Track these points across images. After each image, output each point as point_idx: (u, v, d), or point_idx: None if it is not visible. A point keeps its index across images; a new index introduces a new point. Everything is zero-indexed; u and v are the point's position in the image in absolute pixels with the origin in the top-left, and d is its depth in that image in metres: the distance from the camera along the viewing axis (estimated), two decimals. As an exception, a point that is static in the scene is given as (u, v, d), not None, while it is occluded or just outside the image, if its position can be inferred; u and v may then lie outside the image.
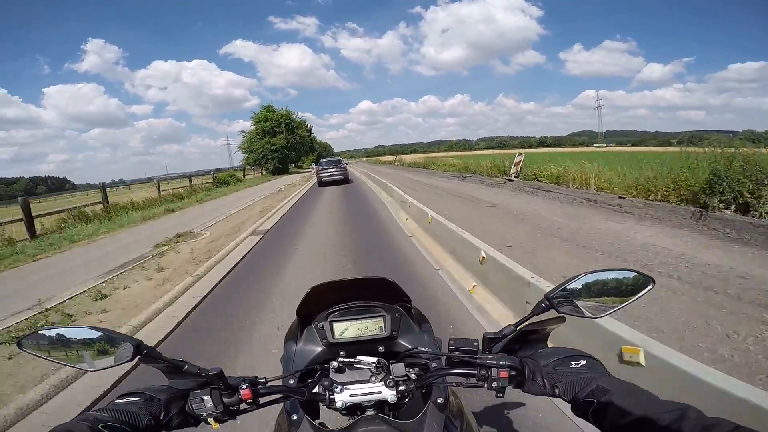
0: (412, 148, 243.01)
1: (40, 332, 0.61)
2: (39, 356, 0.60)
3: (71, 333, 0.62)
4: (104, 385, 2.63)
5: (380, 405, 0.76)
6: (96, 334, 0.62)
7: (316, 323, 0.88)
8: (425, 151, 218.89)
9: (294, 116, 48.76)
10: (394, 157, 53.37)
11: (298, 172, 44.27)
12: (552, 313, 0.71)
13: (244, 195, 18.01)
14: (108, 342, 0.61)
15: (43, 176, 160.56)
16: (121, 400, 0.59)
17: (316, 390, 0.75)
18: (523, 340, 0.73)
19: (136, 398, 0.60)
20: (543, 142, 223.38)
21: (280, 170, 44.28)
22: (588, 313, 0.70)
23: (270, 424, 0.90)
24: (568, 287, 0.71)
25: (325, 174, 18.97)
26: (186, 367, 0.63)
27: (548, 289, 0.90)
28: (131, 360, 0.60)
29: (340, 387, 0.75)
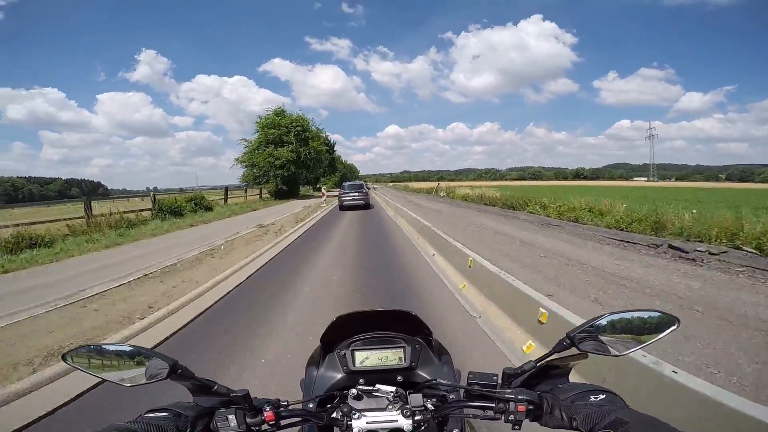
0: (440, 176, 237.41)
1: (83, 347, 0.66)
2: (80, 369, 0.64)
3: (112, 349, 0.67)
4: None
5: None
6: (135, 352, 0.66)
7: (338, 351, 0.90)
8: (452, 179, 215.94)
9: (310, 124, 35.21)
10: (437, 184, 38.46)
11: (311, 196, 33.92)
12: (573, 350, 0.71)
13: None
14: (146, 359, 0.65)
15: (78, 179, 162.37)
16: (150, 415, 0.61)
17: (334, 415, 0.76)
18: (544, 375, 0.73)
19: (165, 413, 0.62)
20: (579, 174, 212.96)
21: (285, 193, 32.01)
22: (612, 351, 0.69)
23: None
24: (591, 325, 0.71)
25: (347, 198, 19.10)
26: (215, 387, 0.67)
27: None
28: (165, 378, 0.63)
29: (358, 414, 0.76)
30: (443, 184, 38.52)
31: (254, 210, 20.04)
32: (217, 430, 0.66)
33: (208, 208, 17.45)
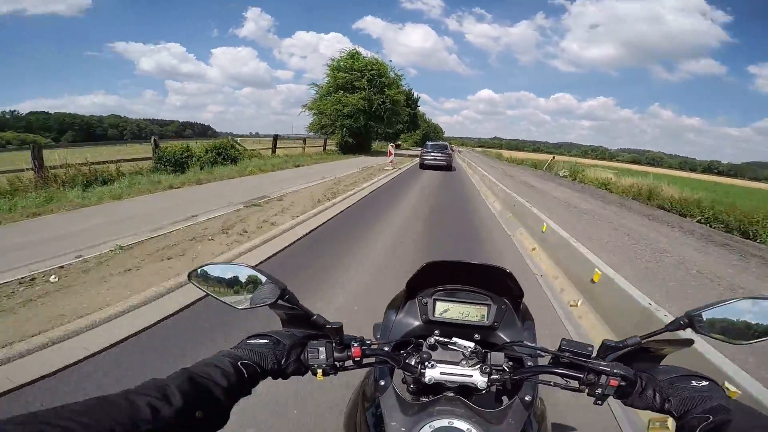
0: (536, 146, 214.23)
1: (205, 266, 0.68)
2: (201, 288, 0.68)
3: (232, 270, 0.69)
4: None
5: (459, 389, 0.75)
6: (252, 273, 0.68)
7: (421, 298, 0.90)
8: (550, 152, 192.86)
9: (388, 70, 29.85)
10: (551, 157, 25.72)
11: (385, 153, 23.88)
12: (684, 333, 0.67)
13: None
14: (259, 283, 0.67)
15: (191, 122, 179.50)
16: (252, 341, 0.65)
17: (409, 360, 0.76)
18: (638, 355, 0.69)
19: (266, 340, 0.66)
20: (712, 168, 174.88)
21: (353, 147, 27.68)
22: (730, 339, 0.64)
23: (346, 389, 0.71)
24: (713, 309, 0.64)
25: (429, 157, 18.42)
26: (315, 317, 0.68)
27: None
28: (274, 302, 0.65)
29: (432, 363, 0.75)
30: (560, 158, 29.03)
31: (297, 166, 15.12)
32: (308, 360, 0.68)
33: (234, 160, 13.02)
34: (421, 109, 63.31)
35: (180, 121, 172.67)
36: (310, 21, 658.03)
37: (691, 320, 0.64)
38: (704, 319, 0.64)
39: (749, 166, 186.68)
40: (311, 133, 29.82)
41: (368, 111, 27.46)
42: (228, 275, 0.69)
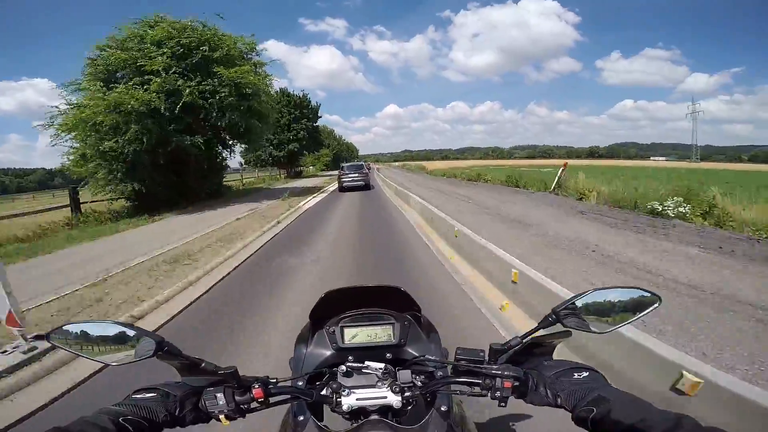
0: (443, 155, 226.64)
1: (65, 327, 0.64)
2: (65, 349, 0.64)
3: (96, 327, 0.65)
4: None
5: (384, 410, 0.76)
6: (120, 330, 0.65)
7: (328, 327, 0.91)
8: (455, 158, 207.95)
9: (236, 42, 14.68)
10: (563, 164, 13.98)
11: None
12: (559, 327, 0.72)
13: None
14: (131, 338, 0.64)
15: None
16: (138, 396, 0.62)
17: (324, 392, 0.77)
18: (529, 353, 0.75)
19: (153, 394, 0.63)
20: (593, 153, 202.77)
21: (162, 203, 12.72)
22: (594, 329, 0.71)
23: (273, 425, 0.92)
24: (575, 302, 0.72)
25: (347, 179, 18.57)
26: (203, 364, 0.67)
27: None
28: (152, 356, 0.63)
29: (347, 390, 0.76)
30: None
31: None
32: (206, 408, 0.67)
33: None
34: (334, 130, 60.94)
35: (52, 168, 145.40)
36: None
37: (557, 315, 0.71)
38: (568, 314, 0.71)
39: (615, 148, 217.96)
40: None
41: (172, 113, 11.94)
42: (94, 333, 0.65)
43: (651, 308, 0.71)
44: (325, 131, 55.76)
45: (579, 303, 0.72)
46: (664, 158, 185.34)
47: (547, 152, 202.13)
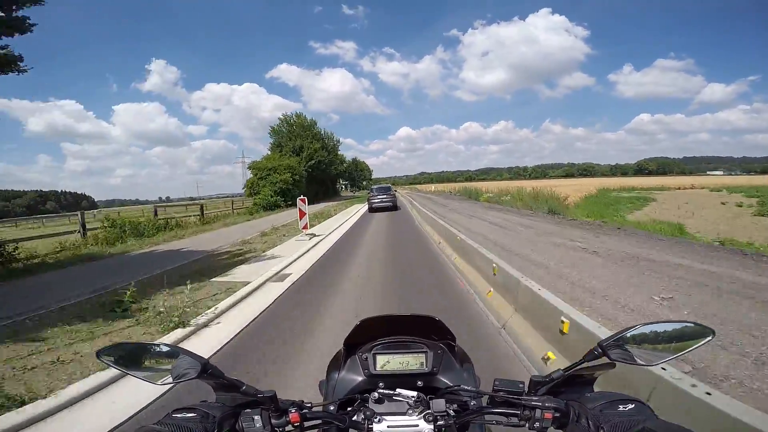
0: (467, 176, 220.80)
1: (119, 345, 0.71)
2: (114, 367, 0.70)
3: (144, 348, 0.73)
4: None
5: None
6: (167, 351, 0.72)
7: (360, 354, 0.97)
8: (470, 179, 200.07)
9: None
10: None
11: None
12: (603, 360, 0.73)
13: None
14: (176, 358, 0.70)
15: (56, 191, 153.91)
16: (178, 415, 0.65)
17: (355, 418, 0.80)
18: (569, 384, 0.76)
19: (193, 414, 0.65)
20: (643, 169, 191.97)
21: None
22: (640, 361, 0.71)
23: None
24: (623, 336, 0.73)
25: (376, 200, 21.42)
26: (243, 387, 0.72)
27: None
28: (195, 377, 0.68)
29: (378, 417, 0.79)
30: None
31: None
32: (243, 430, 0.70)
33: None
34: (348, 152, 64.01)
35: (42, 190, 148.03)
36: (219, 72, 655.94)
37: (603, 350, 0.73)
38: (615, 347, 0.73)
39: (655, 162, 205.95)
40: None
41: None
42: (142, 353, 0.72)
43: (703, 341, 0.70)
44: (337, 156, 53.54)
45: (626, 335, 0.73)
46: (720, 173, 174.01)
47: (587, 170, 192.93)
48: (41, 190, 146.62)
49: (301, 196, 11.86)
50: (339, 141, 53.56)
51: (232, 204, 27.22)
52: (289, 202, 30.84)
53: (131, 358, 0.71)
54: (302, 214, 11.20)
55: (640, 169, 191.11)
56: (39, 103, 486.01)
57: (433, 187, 64.87)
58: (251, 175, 33.69)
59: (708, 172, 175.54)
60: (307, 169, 39.66)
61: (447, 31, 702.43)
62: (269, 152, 41.19)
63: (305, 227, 11.20)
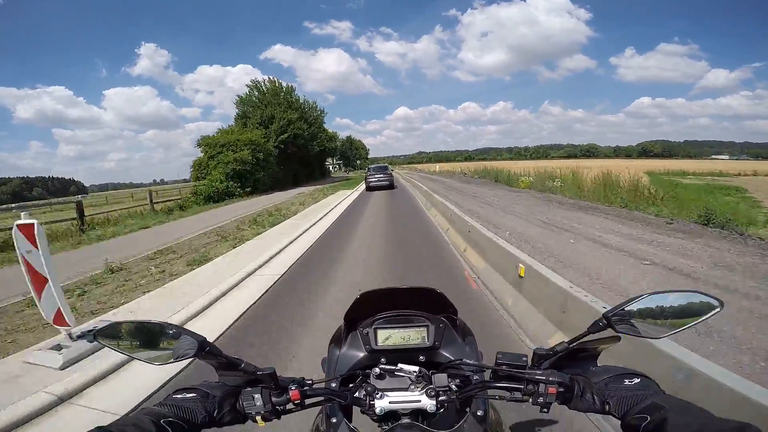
0: (466, 155, 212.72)
1: (115, 324, 0.69)
2: (111, 347, 0.68)
3: (141, 327, 0.70)
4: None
5: (415, 414, 0.78)
6: (163, 329, 0.69)
7: (361, 329, 0.94)
8: (469, 158, 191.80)
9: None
10: None
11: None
12: (608, 332, 0.72)
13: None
14: (175, 337, 0.68)
15: (44, 177, 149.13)
16: (178, 396, 0.65)
17: (357, 394, 0.79)
18: (573, 358, 0.74)
19: (193, 394, 0.66)
20: (648, 151, 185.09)
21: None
22: (647, 334, 0.70)
23: (305, 426, 0.98)
24: (627, 308, 0.71)
25: (373, 179, 21.81)
26: (243, 365, 0.71)
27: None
28: (193, 356, 0.67)
29: (380, 393, 0.78)
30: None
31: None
32: (243, 408, 0.70)
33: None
34: (345, 132, 54.27)
35: (28, 176, 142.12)
36: (212, 54, 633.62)
37: (608, 320, 0.71)
38: (620, 319, 0.71)
39: (660, 144, 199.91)
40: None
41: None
42: (139, 332, 0.70)
43: (711, 313, 0.69)
44: (322, 129, 44.56)
45: (632, 308, 0.71)
46: (726, 157, 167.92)
47: (590, 150, 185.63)
48: (27, 177, 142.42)
49: (24, 222, 3.00)
50: (324, 112, 43.67)
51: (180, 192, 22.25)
52: (248, 189, 23.18)
53: (129, 338, 0.69)
54: (38, 281, 3.04)
55: (645, 151, 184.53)
56: (27, 90, 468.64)
57: (437, 166, 55.76)
58: (201, 154, 25.80)
59: (713, 156, 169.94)
60: (278, 144, 31.62)
61: (446, 10, 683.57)
62: (233, 126, 33.05)
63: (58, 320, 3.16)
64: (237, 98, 35.23)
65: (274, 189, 27.29)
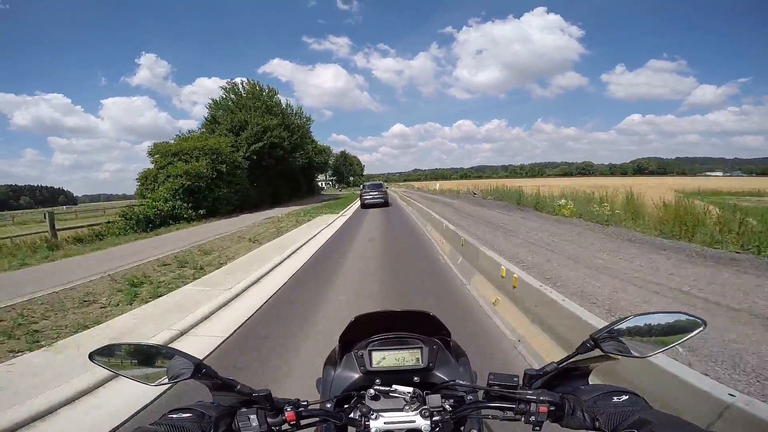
0: (462, 173, 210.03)
1: (111, 346, 0.70)
2: (107, 368, 0.69)
3: (137, 349, 0.71)
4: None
5: None
6: (159, 351, 0.71)
7: (356, 351, 0.95)
8: (465, 176, 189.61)
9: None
10: None
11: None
12: (596, 352, 0.74)
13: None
14: (171, 359, 0.69)
15: (33, 185, 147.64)
16: (174, 415, 0.65)
17: (352, 415, 0.80)
18: (564, 377, 0.77)
19: (189, 414, 0.65)
20: (643, 169, 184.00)
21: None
22: (634, 352, 0.72)
23: None
24: (615, 328, 0.73)
25: (368, 197, 21.74)
26: (238, 387, 0.71)
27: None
28: (189, 378, 0.68)
29: (375, 414, 0.79)
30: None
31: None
32: (239, 429, 0.70)
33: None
34: (340, 148, 51.50)
35: (16, 184, 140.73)
36: (211, 66, 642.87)
37: (596, 342, 0.73)
38: (607, 339, 0.73)
39: (634, 163, 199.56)
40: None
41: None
42: (134, 354, 0.71)
43: (695, 332, 0.71)
44: (308, 139, 39.47)
45: (619, 327, 0.73)
46: (719, 174, 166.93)
47: (586, 168, 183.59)
48: (15, 185, 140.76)
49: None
50: (310, 119, 37.83)
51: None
52: (204, 210, 18.40)
53: (124, 359, 0.71)
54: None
55: (640, 168, 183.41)
56: (25, 97, 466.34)
57: (437, 184, 50.49)
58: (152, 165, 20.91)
59: (707, 173, 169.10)
60: (250, 154, 26.35)
61: (442, 28, 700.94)
62: (197, 132, 28.10)
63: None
64: (210, 102, 30.35)
65: (243, 210, 22.56)
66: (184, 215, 17.42)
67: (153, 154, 20.74)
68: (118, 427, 2.51)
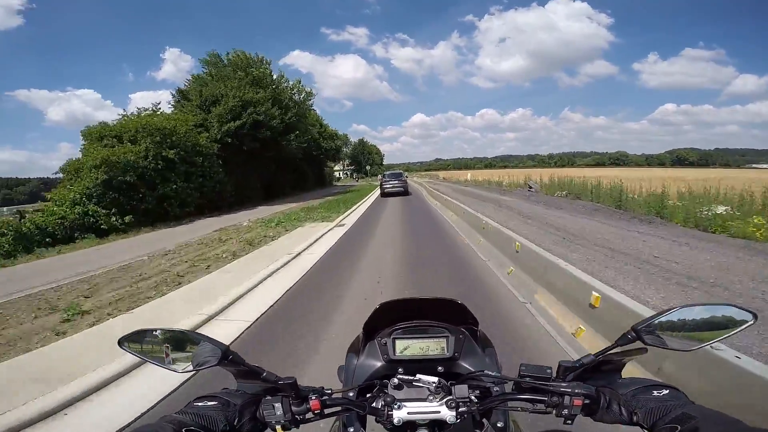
0: (488, 163, 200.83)
1: (140, 331, 0.71)
2: (135, 354, 0.70)
3: (165, 335, 0.71)
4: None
5: (431, 425, 0.77)
6: (187, 337, 0.72)
7: (380, 339, 0.93)
8: (489, 166, 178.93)
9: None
10: None
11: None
12: (635, 345, 0.72)
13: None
14: (196, 345, 0.70)
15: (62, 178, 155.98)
16: (199, 403, 0.65)
17: (375, 404, 0.78)
18: (596, 370, 0.74)
19: (214, 402, 0.66)
20: (683, 160, 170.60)
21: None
22: (676, 346, 0.69)
23: None
24: (657, 320, 0.71)
25: (388, 185, 22.22)
26: (264, 374, 0.71)
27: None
28: (216, 364, 0.68)
29: (398, 403, 0.76)
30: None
31: None
32: (264, 417, 0.69)
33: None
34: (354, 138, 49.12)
35: (48, 177, 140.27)
36: None
37: (637, 333, 0.70)
38: (649, 331, 0.70)
39: (668, 154, 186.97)
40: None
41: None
42: (163, 340, 0.71)
43: (743, 326, 0.68)
44: (310, 116, 32.86)
45: (662, 320, 0.70)
46: (766, 166, 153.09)
47: (620, 159, 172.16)
48: (47, 177, 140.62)
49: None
50: (312, 93, 30.41)
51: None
52: (128, 218, 12.90)
53: (152, 345, 0.70)
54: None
55: (679, 159, 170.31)
56: (58, 93, 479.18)
57: (468, 174, 42.94)
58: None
59: (753, 165, 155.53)
60: (222, 135, 20.19)
61: (462, 16, 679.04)
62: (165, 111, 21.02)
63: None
64: (191, 78, 24.27)
65: (213, 210, 17.00)
66: (102, 224, 11.83)
67: (85, 135, 15.20)
68: (144, 413, 2.58)
